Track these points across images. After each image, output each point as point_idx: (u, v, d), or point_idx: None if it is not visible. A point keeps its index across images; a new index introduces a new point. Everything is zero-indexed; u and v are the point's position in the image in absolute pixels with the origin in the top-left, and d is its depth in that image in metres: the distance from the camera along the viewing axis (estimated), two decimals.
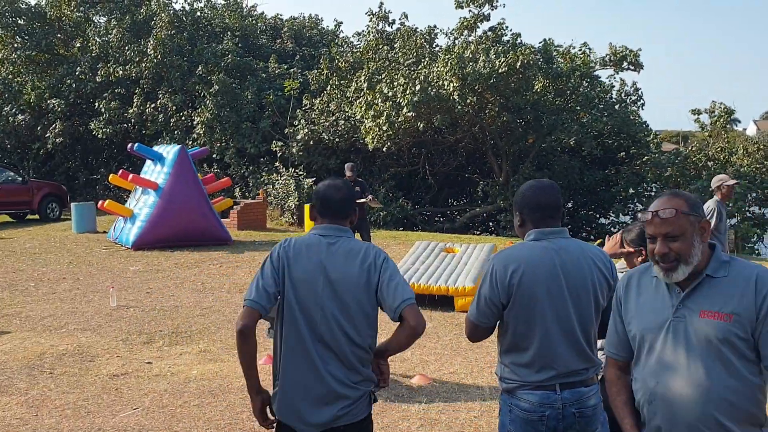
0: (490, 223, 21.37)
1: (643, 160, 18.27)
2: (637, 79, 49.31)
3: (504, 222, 19.13)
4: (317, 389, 2.86)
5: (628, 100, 19.45)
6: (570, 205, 20.73)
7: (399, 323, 2.86)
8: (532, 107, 18.06)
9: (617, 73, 18.33)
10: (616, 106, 19.16)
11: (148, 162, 15.31)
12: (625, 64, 17.35)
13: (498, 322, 2.99)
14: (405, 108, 15.53)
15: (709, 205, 7.60)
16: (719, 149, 17.50)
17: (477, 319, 2.98)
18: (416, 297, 2.97)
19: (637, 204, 19.07)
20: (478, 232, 21.45)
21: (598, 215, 20.78)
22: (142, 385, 6.11)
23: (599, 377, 3.01)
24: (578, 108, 18.20)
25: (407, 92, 15.59)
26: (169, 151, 14.71)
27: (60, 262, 12.49)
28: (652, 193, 18.42)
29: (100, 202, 14.83)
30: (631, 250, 3.74)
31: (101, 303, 9.27)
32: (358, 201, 11.78)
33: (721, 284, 2.32)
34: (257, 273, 2.95)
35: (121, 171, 15.13)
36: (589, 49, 18.13)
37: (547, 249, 2.91)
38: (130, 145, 14.97)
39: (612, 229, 20.05)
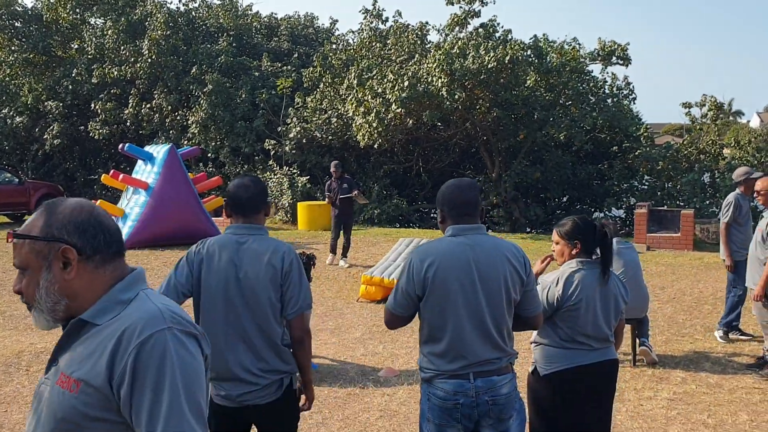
0: (483, 219, 21.43)
1: (635, 154, 18.29)
2: (641, 71, 49.25)
3: (497, 218, 19.21)
4: (224, 375, 3.05)
5: (620, 95, 19.45)
6: (565, 199, 20.78)
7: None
8: (523, 103, 18.10)
9: (606, 68, 18.35)
10: (608, 101, 19.18)
11: (140, 162, 15.45)
12: (613, 58, 17.35)
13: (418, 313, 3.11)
14: (394, 104, 15.60)
15: (728, 199, 7.49)
16: (710, 142, 17.50)
17: (394, 308, 3.11)
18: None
19: (630, 197, 19.10)
20: None
21: (593, 209, 20.81)
22: None
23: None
24: (569, 103, 18.23)
25: (396, 89, 15.66)
26: (159, 150, 14.85)
27: None
28: (645, 187, 18.44)
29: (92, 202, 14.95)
30: (545, 263, 3.88)
31: None
32: (344, 197, 12.02)
33: (97, 335, 1.68)
34: (171, 271, 3.13)
35: (112, 171, 15.28)
36: (579, 44, 18.15)
37: (463, 244, 3.03)
38: (120, 146, 15.11)
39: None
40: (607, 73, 18.90)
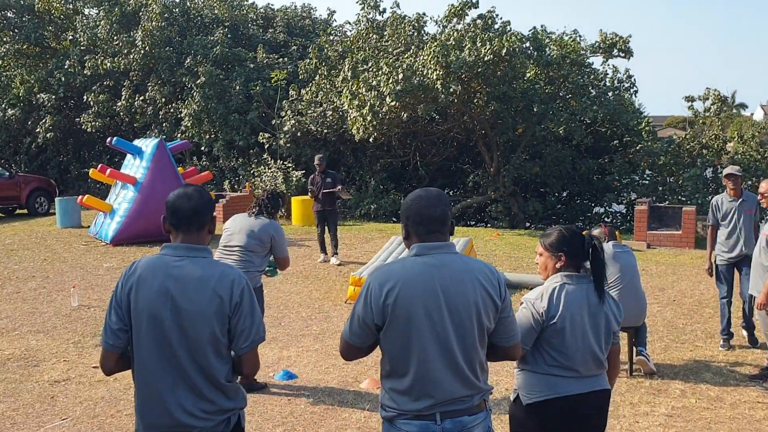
0: (482, 214, 21.07)
1: (636, 148, 17.89)
2: (644, 63, 48.74)
3: (494, 213, 18.84)
4: (164, 420, 2.65)
5: (621, 88, 19.04)
6: (565, 194, 20.41)
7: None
8: (522, 96, 17.71)
9: (607, 61, 17.94)
10: (609, 94, 18.77)
11: (129, 156, 15.11)
12: (615, 50, 16.95)
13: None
14: (388, 97, 15.22)
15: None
16: (713, 137, 17.08)
17: (350, 338, 2.73)
18: None
19: (631, 193, 18.71)
20: (473, 223, 21.18)
21: (593, 204, 20.44)
22: (80, 392, 5.90)
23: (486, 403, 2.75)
24: (569, 96, 17.84)
25: (390, 81, 15.28)
26: (147, 144, 14.51)
27: (35, 259, 12.30)
28: (647, 182, 18.06)
29: (79, 198, 14.64)
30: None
31: (63, 303, 9.06)
32: (327, 191, 11.71)
33: None
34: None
35: (100, 166, 14.92)
36: (580, 36, 17.75)
37: (428, 265, 2.64)
38: (109, 140, 14.77)
39: (606, 218, 19.73)
40: (608, 65, 18.53)
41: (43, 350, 7.05)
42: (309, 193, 12.28)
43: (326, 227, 12.01)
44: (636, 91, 19.08)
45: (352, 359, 2.83)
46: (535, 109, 17.54)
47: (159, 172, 13.96)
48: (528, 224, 18.79)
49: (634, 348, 6.41)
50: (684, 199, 16.54)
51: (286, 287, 10.15)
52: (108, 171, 14.26)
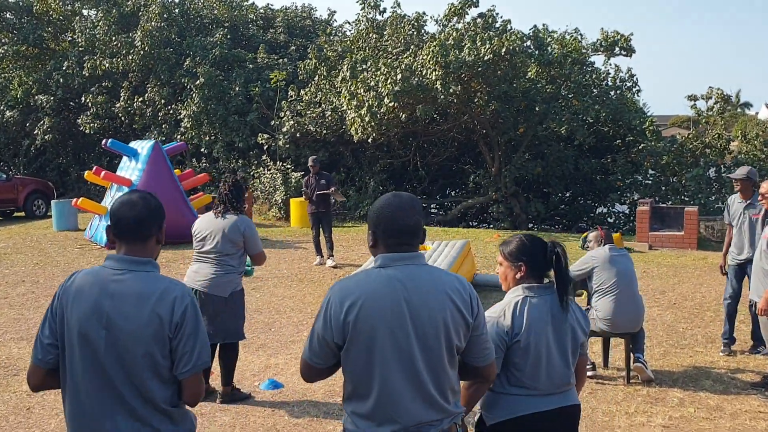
0: (484, 215, 20.86)
1: (639, 148, 17.66)
2: (647, 62, 48.43)
3: (495, 213, 18.64)
4: None
5: (623, 87, 18.81)
6: (567, 194, 20.19)
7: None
8: (523, 95, 17.50)
9: (609, 59, 17.72)
10: (611, 93, 18.54)
11: (125, 158, 14.97)
12: (616, 49, 16.74)
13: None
14: (386, 98, 15.03)
15: None
16: (716, 136, 16.83)
17: (310, 358, 2.51)
18: None
19: (634, 193, 18.47)
20: (475, 224, 20.97)
21: (596, 204, 20.21)
22: (57, 404, 5.70)
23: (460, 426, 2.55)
24: (570, 96, 17.61)
25: (388, 82, 15.09)
26: (143, 146, 14.37)
27: (27, 263, 12.14)
28: (650, 182, 17.83)
29: (74, 200, 14.50)
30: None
31: None
32: (321, 192, 11.54)
33: None
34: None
35: (95, 168, 14.77)
36: (581, 34, 17.54)
37: (393, 279, 2.43)
38: (104, 141, 14.63)
39: (609, 219, 19.51)
40: (610, 64, 18.29)
41: (25, 358, 6.89)
42: (303, 195, 12.12)
43: (321, 229, 11.83)
44: (638, 90, 18.86)
45: (312, 381, 2.61)
46: (536, 109, 17.35)
47: (155, 175, 13.80)
48: (530, 225, 18.58)
49: (632, 354, 6.21)
50: (687, 199, 16.31)
51: (280, 291, 9.97)
52: (102, 173, 14.11)
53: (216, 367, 5.76)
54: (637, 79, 18.59)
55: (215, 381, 5.89)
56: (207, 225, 5.59)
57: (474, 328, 2.49)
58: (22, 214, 19.42)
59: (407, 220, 2.48)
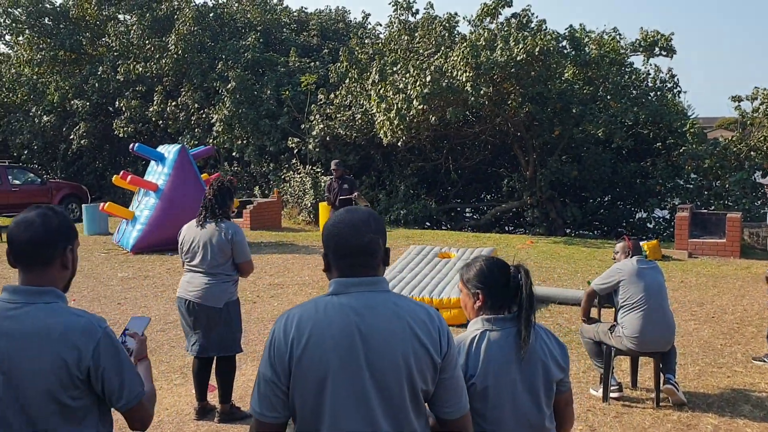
0: (519, 220, 20.37)
1: (680, 151, 17.00)
2: (693, 62, 47.24)
3: (531, 218, 18.16)
4: None
5: (663, 88, 18.17)
6: (606, 199, 19.60)
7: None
8: (559, 97, 17.00)
9: (648, 60, 17.11)
10: (651, 95, 17.91)
11: (153, 162, 14.89)
12: (656, 49, 16.14)
13: None
14: (415, 101, 14.68)
15: None
16: (762, 138, 16.09)
17: (261, 413, 2.09)
18: None
19: (675, 197, 17.80)
20: (511, 228, 20.50)
21: (635, 209, 19.57)
22: None
23: None
24: (608, 97, 17.05)
25: (417, 84, 14.74)
26: (170, 150, 14.25)
27: None
28: (691, 186, 17.16)
29: (101, 205, 14.47)
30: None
31: None
32: (343, 197, 11.26)
33: None
34: None
35: (122, 172, 14.72)
36: (619, 34, 16.98)
37: (346, 308, 2.07)
38: (131, 146, 14.56)
39: (648, 224, 18.86)
40: (650, 65, 17.69)
41: None
42: (325, 200, 11.87)
43: None
44: (680, 92, 18.22)
45: None
46: (573, 111, 16.83)
47: (181, 179, 13.69)
48: (567, 230, 18.05)
49: (662, 375, 5.76)
50: (730, 204, 15.63)
51: (299, 299, 9.68)
52: (129, 177, 14.02)
53: (213, 380, 5.48)
54: (678, 80, 17.97)
55: (213, 399, 5.61)
56: (191, 236, 5.24)
57: (442, 370, 2.10)
58: None
59: (360, 238, 2.13)
